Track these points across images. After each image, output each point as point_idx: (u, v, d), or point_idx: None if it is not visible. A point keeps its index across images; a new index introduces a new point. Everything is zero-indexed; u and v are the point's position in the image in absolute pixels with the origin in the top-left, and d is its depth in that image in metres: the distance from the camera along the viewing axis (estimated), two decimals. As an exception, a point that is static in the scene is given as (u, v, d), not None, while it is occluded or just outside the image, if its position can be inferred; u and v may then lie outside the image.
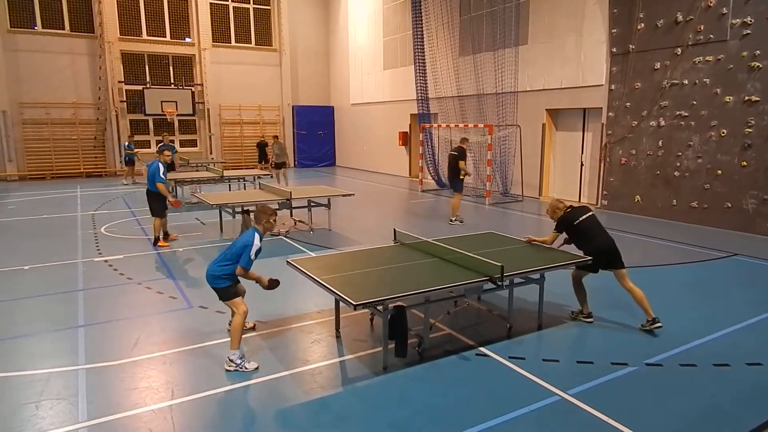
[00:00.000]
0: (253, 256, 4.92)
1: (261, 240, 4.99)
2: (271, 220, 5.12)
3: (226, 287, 5.02)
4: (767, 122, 10.26)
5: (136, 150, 19.69)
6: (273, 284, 5.09)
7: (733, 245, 9.65)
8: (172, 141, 20.98)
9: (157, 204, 9.72)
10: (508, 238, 7.20)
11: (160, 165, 9.71)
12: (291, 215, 12.08)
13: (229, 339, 5.09)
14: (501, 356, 5.17)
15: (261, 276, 5.04)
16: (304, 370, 4.94)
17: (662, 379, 4.74)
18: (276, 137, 18.60)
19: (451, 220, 11.97)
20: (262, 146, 20.61)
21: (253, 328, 5.84)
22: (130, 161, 19.58)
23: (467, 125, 16.26)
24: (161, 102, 22.02)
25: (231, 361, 4.87)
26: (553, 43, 14.54)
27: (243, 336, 5.51)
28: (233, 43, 24.40)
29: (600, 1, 13.13)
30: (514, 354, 5.22)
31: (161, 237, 9.95)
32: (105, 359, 5.16)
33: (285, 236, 10.60)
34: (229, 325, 5.44)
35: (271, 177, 15.34)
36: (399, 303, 4.89)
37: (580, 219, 5.95)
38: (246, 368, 4.84)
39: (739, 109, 10.65)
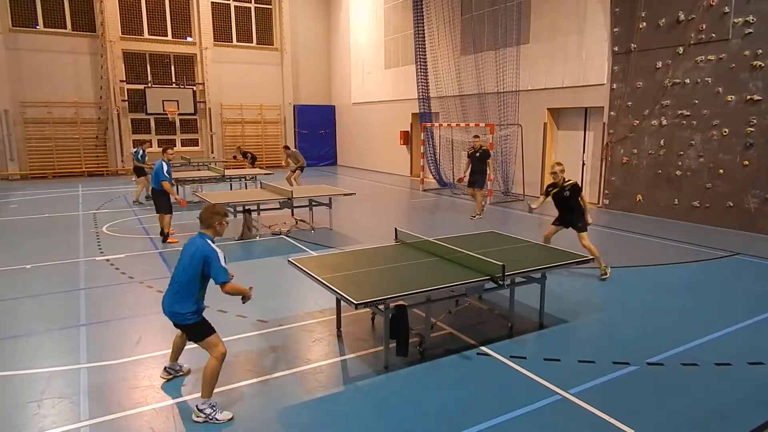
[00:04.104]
0: (224, 265, 4.17)
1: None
2: (224, 222, 4.39)
3: (196, 323, 4.23)
4: (769, 121, 10.26)
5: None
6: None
7: (734, 244, 9.63)
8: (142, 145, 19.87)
9: (162, 201, 9.83)
10: (510, 237, 7.20)
11: (163, 164, 9.80)
12: (292, 214, 12.09)
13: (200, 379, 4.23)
14: (502, 355, 5.17)
15: (247, 291, 4.34)
16: (306, 369, 4.95)
17: (664, 378, 4.74)
18: (287, 147, 18.36)
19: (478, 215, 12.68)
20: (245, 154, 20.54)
21: (188, 373, 4.85)
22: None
23: (468, 124, 16.25)
24: (163, 101, 22.03)
25: (200, 411, 4.09)
26: (554, 42, 14.52)
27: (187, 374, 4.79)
28: (234, 42, 24.40)
29: (602, 0, 13.11)
30: (515, 353, 5.21)
31: (164, 235, 10.00)
32: (107, 358, 5.18)
33: (286, 235, 10.60)
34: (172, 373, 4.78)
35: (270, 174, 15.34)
36: (400, 302, 4.88)
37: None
38: (218, 420, 4.06)
39: (740, 108, 10.63)
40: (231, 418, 4.12)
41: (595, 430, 3.94)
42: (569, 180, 7.63)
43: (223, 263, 4.16)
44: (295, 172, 15.93)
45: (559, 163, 7.64)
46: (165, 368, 4.81)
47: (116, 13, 21.67)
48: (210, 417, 4.07)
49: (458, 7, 17.58)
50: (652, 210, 12.45)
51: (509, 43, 15.52)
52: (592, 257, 6.53)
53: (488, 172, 12.88)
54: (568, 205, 7.57)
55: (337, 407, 4.31)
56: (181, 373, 4.84)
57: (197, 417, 4.10)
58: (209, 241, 4.24)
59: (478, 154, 12.46)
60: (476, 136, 12.97)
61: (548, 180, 15.60)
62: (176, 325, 4.38)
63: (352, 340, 5.59)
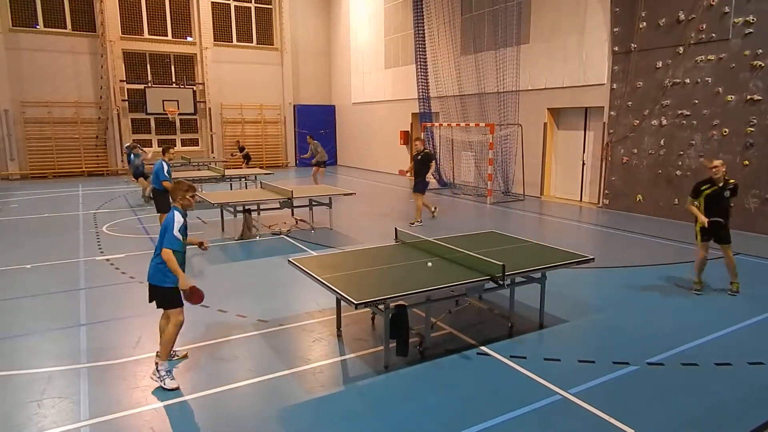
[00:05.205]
0: (176, 233, 4.50)
1: (184, 217, 4.65)
2: (188, 196, 4.72)
3: (170, 288, 4.57)
4: (769, 121, 10.25)
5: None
6: (193, 294, 4.65)
7: (734, 244, 9.56)
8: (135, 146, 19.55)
9: (163, 201, 9.85)
10: (510, 237, 7.20)
11: (163, 164, 9.83)
12: (292, 214, 12.09)
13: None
14: (502, 355, 5.17)
15: (183, 277, 4.55)
16: (306, 369, 4.95)
17: (664, 378, 4.74)
18: (311, 136, 18.12)
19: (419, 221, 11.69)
20: (242, 149, 20.58)
21: (185, 357, 5.15)
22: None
23: (468, 124, 16.26)
24: (163, 101, 22.05)
25: (157, 371, 4.59)
26: (554, 41, 14.52)
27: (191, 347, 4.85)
28: (235, 42, 24.40)
29: (602, 0, 13.11)
30: (515, 353, 5.21)
31: None
32: (107, 358, 5.17)
33: (286, 235, 10.60)
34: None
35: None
36: (400, 302, 4.88)
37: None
38: (165, 386, 4.52)
39: (741, 108, 10.63)
40: (176, 388, 4.53)
41: (595, 430, 3.94)
42: (730, 178, 6.61)
43: (175, 232, 4.51)
44: (314, 166, 16.48)
45: (719, 158, 6.82)
46: None
47: (116, 12, 21.68)
48: (162, 379, 4.56)
49: (458, 7, 17.58)
50: (652, 210, 12.45)
51: (509, 43, 15.53)
52: (592, 257, 6.46)
53: (429, 173, 11.60)
54: (723, 208, 6.55)
55: (337, 407, 4.30)
56: (176, 357, 5.09)
57: (153, 375, 4.63)
58: (175, 212, 4.64)
59: (419, 157, 11.48)
60: (417, 139, 11.93)
61: (547, 182, 15.77)
62: (152, 292, 4.67)
63: (352, 340, 5.59)
